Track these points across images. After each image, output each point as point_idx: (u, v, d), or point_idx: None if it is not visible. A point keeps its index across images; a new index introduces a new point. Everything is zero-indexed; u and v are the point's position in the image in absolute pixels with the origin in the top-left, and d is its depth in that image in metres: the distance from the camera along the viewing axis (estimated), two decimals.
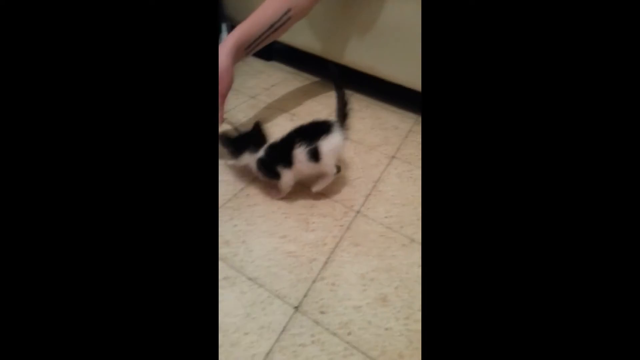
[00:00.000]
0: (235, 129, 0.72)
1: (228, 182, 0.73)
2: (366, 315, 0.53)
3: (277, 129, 0.69)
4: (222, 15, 1.17)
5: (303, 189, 0.72)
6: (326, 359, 0.48)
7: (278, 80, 1.13)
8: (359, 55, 1.01)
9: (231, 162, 0.77)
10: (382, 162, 0.84)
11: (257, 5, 0.77)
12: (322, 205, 0.71)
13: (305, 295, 0.55)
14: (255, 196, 0.71)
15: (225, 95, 0.71)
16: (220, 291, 0.54)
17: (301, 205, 0.71)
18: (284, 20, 0.77)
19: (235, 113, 0.95)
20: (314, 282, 0.57)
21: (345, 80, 1.12)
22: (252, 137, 0.69)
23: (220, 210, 0.67)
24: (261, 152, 0.67)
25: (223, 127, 0.74)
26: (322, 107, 1.02)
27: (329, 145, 0.65)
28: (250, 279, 0.56)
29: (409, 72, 0.94)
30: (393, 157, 0.86)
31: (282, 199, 0.71)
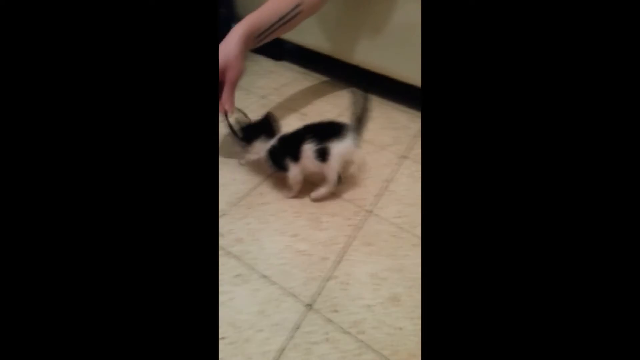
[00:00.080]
0: (246, 116, 0.73)
1: (240, 181, 0.74)
2: (378, 314, 0.53)
3: (287, 129, 0.70)
4: (233, 15, 1.18)
5: (314, 189, 0.73)
6: (339, 357, 0.48)
7: (288, 80, 1.13)
8: (369, 54, 1.01)
9: (243, 161, 0.78)
10: (393, 161, 0.84)
11: None
12: (333, 204, 0.71)
13: (317, 294, 0.55)
14: (267, 195, 0.72)
15: (235, 83, 0.70)
16: (234, 288, 0.55)
17: (312, 205, 0.71)
18: (294, 14, 0.77)
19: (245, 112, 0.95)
20: (326, 280, 0.57)
21: (356, 79, 1.14)
22: (264, 126, 0.70)
23: (233, 208, 0.68)
24: (272, 142, 0.68)
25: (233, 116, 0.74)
26: (332, 106, 1.02)
27: (338, 148, 0.65)
28: (263, 276, 0.57)
29: (419, 72, 0.93)
30: (404, 157, 0.86)
31: (294, 197, 0.71)
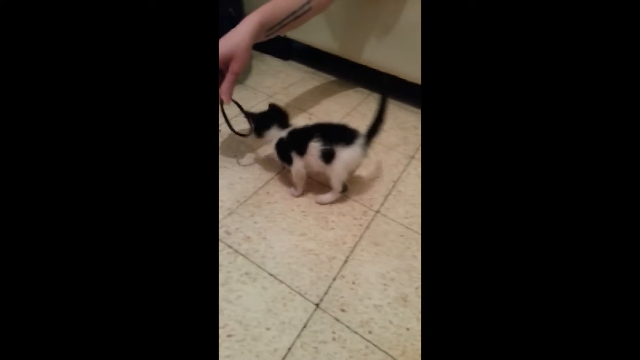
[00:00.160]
0: (241, 108, 0.73)
1: (248, 180, 0.74)
2: (387, 314, 0.53)
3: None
4: (242, 16, 1.18)
5: (322, 188, 0.73)
6: (347, 357, 0.48)
7: (296, 79, 1.13)
8: (377, 55, 1.01)
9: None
10: (402, 162, 0.84)
11: None
12: (341, 204, 0.71)
13: (325, 293, 0.55)
14: (274, 194, 0.72)
15: (238, 75, 0.69)
16: (242, 286, 0.55)
17: (320, 204, 0.71)
18: (305, 10, 0.76)
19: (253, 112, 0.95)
20: (334, 280, 0.57)
21: (363, 80, 1.14)
22: (275, 115, 0.70)
23: (240, 207, 0.68)
24: (284, 133, 0.68)
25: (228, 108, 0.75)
26: (339, 106, 1.02)
27: (344, 154, 0.65)
28: (270, 275, 0.57)
29: None
30: (412, 157, 0.85)
31: (301, 196, 0.71)
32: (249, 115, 0.73)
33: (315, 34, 1.08)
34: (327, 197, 0.70)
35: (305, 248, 0.62)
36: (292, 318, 0.51)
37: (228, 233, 0.63)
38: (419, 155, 0.86)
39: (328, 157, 0.65)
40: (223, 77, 0.68)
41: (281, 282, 0.56)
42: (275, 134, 0.69)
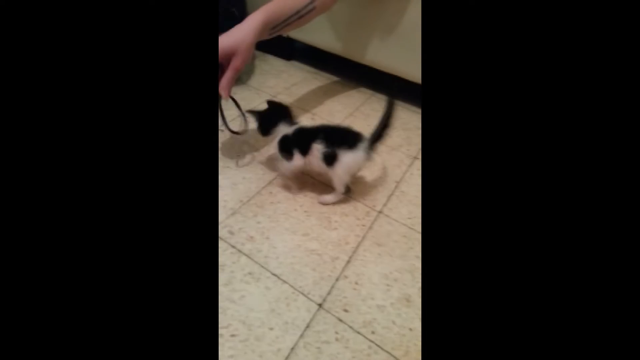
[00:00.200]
0: (238, 104, 0.73)
1: (251, 180, 0.74)
2: (390, 315, 0.53)
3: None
4: (245, 16, 1.18)
5: (326, 188, 0.73)
6: (350, 357, 0.48)
7: (298, 79, 1.13)
8: (380, 55, 1.01)
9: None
10: (405, 162, 0.84)
11: None
12: (344, 204, 0.71)
13: (328, 293, 0.55)
14: (277, 194, 0.72)
15: (239, 71, 0.68)
16: (245, 286, 0.55)
17: (323, 204, 0.71)
18: (309, 10, 0.76)
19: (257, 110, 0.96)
20: (337, 280, 0.57)
21: (366, 80, 1.14)
22: (280, 112, 0.70)
23: (244, 206, 0.68)
24: (290, 130, 0.68)
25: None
26: (342, 106, 1.02)
27: (346, 157, 0.65)
28: (274, 275, 0.57)
29: None
30: (415, 157, 0.85)
31: (304, 197, 0.71)
32: (245, 114, 0.72)
33: (318, 33, 1.08)
34: (329, 197, 0.70)
35: (308, 248, 0.62)
36: (295, 318, 0.52)
37: (231, 233, 0.63)
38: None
39: (330, 159, 0.65)
40: (223, 71, 0.67)
41: (284, 282, 0.56)
42: (283, 129, 0.69)
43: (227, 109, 0.75)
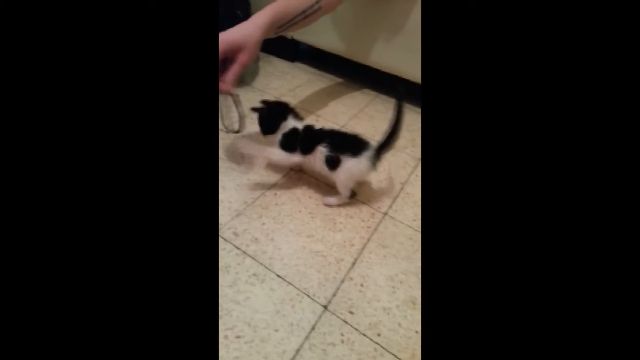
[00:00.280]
0: (239, 102, 0.70)
1: (255, 182, 0.74)
2: (396, 317, 0.53)
3: None
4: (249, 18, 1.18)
5: (330, 190, 0.72)
6: (356, 359, 0.48)
7: (302, 81, 1.13)
8: (385, 56, 1.01)
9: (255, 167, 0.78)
10: (410, 164, 0.83)
11: None
12: (349, 206, 0.71)
13: (333, 295, 0.55)
14: (282, 195, 0.72)
15: (245, 66, 0.67)
16: (250, 288, 0.55)
17: (327, 206, 0.71)
18: (314, 10, 0.76)
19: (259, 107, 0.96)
20: (342, 282, 0.57)
21: (370, 81, 1.13)
22: (283, 108, 0.70)
23: (248, 208, 0.68)
24: (300, 125, 0.68)
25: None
26: (346, 108, 1.02)
27: (349, 164, 0.65)
28: (279, 276, 0.57)
29: None
30: (420, 159, 0.85)
31: (308, 198, 0.71)
32: (242, 113, 0.71)
33: (322, 35, 1.08)
34: (334, 199, 0.70)
35: (313, 250, 0.62)
36: (301, 320, 0.51)
37: (236, 234, 0.62)
38: None
39: (332, 163, 0.65)
40: (225, 65, 0.66)
41: (289, 283, 0.56)
42: (293, 123, 0.69)
43: (228, 108, 0.74)
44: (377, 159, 0.66)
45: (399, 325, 0.52)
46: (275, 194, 0.72)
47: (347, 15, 1.00)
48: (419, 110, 1.04)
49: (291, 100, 1.02)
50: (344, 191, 0.68)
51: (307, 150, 0.66)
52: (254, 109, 0.71)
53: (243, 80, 1.07)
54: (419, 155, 0.86)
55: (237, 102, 0.70)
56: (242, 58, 0.65)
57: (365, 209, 0.71)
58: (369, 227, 0.67)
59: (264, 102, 0.72)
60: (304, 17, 0.75)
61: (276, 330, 0.50)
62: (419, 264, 0.61)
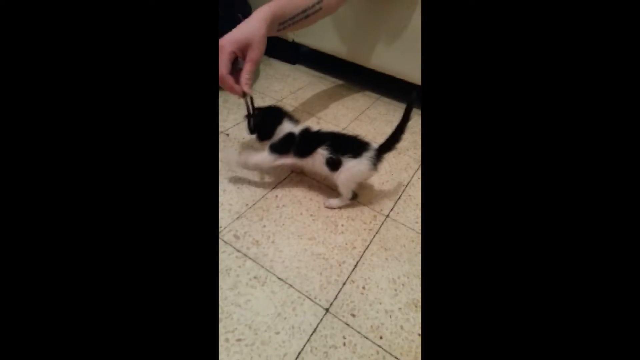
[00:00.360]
0: (252, 105, 0.69)
1: (256, 184, 0.74)
2: (398, 320, 0.52)
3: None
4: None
5: (332, 192, 0.72)
6: None
7: (304, 83, 1.13)
8: (386, 59, 1.01)
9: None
10: (412, 166, 0.83)
11: None
12: (351, 208, 0.71)
13: (335, 298, 0.55)
14: (283, 198, 0.71)
15: (257, 63, 0.67)
16: (251, 290, 0.54)
17: (329, 208, 0.70)
18: (315, 10, 0.76)
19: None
20: (344, 284, 0.57)
21: (371, 83, 1.13)
22: (276, 112, 0.69)
23: (249, 210, 0.68)
24: (296, 129, 0.67)
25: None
26: (348, 110, 1.02)
27: (349, 165, 0.64)
28: (280, 279, 0.56)
29: None
30: (421, 161, 0.85)
31: (310, 201, 0.71)
32: (253, 115, 0.70)
33: (323, 38, 1.08)
34: (336, 201, 0.70)
35: (315, 252, 0.61)
36: (302, 322, 0.51)
37: (237, 237, 0.62)
38: None
39: (333, 165, 0.65)
40: (235, 65, 0.65)
41: (290, 286, 0.55)
42: (289, 127, 0.68)
43: (227, 107, 0.74)
44: (378, 160, 0.65)
45: (401, 328, 0.51)
46: (276, 196, 0.72)
47: (348, 17, 1.00)
48: (420, 113, 1.04)
49: (292, 102, 1.02)
50: (346, 193, 0.68)
51: (306, 153, 0.66)
52: (247, 117, 0.69)
53: None
54: (421, 157, 0.86)
55: (251, 103, 0.69)
56: (252, 55, 0.64)
57: (367, 211, 0.71)
58: (370, 229, 0.67)
59: (256, 108, 0.70)
60: (305, 16, 0.75)
61: (277, 333, 0.49)
62: (421, 266, 0.60)
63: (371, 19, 0.98)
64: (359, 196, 0.72)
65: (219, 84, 0.63)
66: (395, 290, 0.57)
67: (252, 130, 0.68)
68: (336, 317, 0.52)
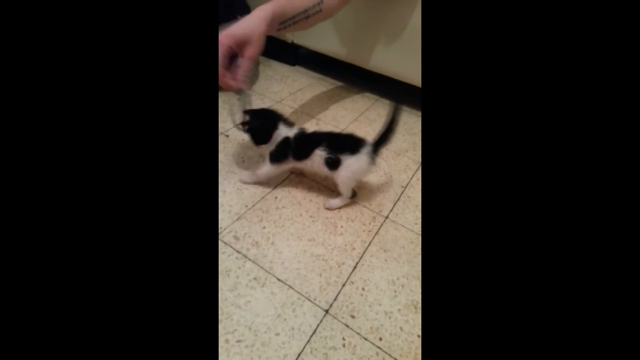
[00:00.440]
0: (249, 101, 0.69)
1: (256, 185, 0.74)
2: (398, 321, 0.53)
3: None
4: None
5: (331, 194, 0.72)
6: None
7: (303, 85, 1.14)
8: (386, 60, 1.01)
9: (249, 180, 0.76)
10: (411, 167, 0.83)
11: None
12: (350, 210, 0.71)
13: (335, 299, 0.55)
14: (283, 199, 0.71)
15: (254, 60, 0.66)
16: (251, 291, 0.54)
17: (328, 210, 0.70)
18: (316, 11, 0.76)
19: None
20: (343, 285, 0.57)
21: (371, 85, 1.14)
22: (271, 115, 0.69)
23: (249, 211, 0.68)
24: (291, 132, 0.67)
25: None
26: (347, 112, 1.02)
27: (349, 162, 0.65)
28: (280, 280, 0.56)
29: None
30: (421, 162, 0.85)
31: (309, 202, 0.71)
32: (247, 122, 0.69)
33: (323, 39, 1.09)
34: (336, 201, 0.70)
35: (314, 253, 0.61)
36: (302, 324, 0.51)
37: (236, 238, 0.62)
38: None
39: (333, 164, 0.65)
40: (232, 61, 0.65)
41: (290, 287, 0.56)
42: (285, 131, 0.67)
43: (227, 108, 0.73)
44: (375, 155, 0.66)
45: (401, 329, 0.52)
46: (276, 197, 0.72)
47: (347, 19, 1.00)
48: (419, 114, 1.04)
49: (292, 104, 1.03)
50: (346, 191, 0.68)
51: (304, 155, 0.66)
52: (243, 124, 0.68)
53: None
54: (420, 158, 0.86)
55: (248, 100, 0.68)
56: (249, 52, 0.64)
57: (366, 212, 0.71)
58: (370, 230, 0.67)
59: (247, 111, 0.69)
60: (305, 16, 0.75)
61: (277, 334, 0.49)
62: (421, 268, 0.60)
63: (371, 21, 0.98)
64: (359, 197, 0.72)
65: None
66: (395, 291, 0.57)
67: (246, 128, 0.68)
68: (336, 318, 0.52)
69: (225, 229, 0.64)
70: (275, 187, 0.74)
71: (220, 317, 0.50)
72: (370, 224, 0.68)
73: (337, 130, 0.93)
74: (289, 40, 1.17)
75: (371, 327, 0.51)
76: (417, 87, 0.98)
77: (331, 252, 0.62)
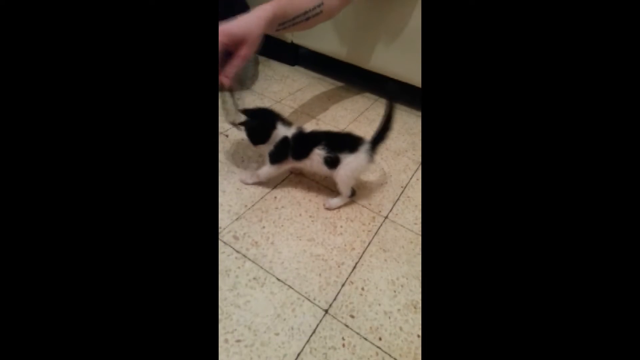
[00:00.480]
0: (238, 100, 0.69)
1: (255, 185, 0.74)
2: (397, 321, 0.53)
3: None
4: None
5: (331, 194, 0.72)
6: None
7: (303, 85, 1.14)
8: (385, 60, 1.01)
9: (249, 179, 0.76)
10: (410, 167, 0.83)
11: None
12: (349, 209, 0.71)
13: (334, 299, 0.55)
14: (282, 199, 0.71)
15: (247, 60, 0.64)
16: (250, 291, 0.54)
17: (328, 209, 0.70)
18: (316, 12, 0.75)
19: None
20: (343, 285, 0.57)
21: (370, 85, 1.14)
22: (269, 114, 0.69)
23: (249, 211, 0.68)
24: (289, 132, 0.67)
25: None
26: (347, 112, 1.02)
27: (348, 160, 0.65)
28: (279, 280, 0.56)
29: None
30: (421, 162, 0.85)
31: (309, 202, 0.71)
32: (242, 112, 0.69)
33: (323, 39, 1.09)
34: (335, 201, 0.70)
35: (314, 253, 0.61)
36: (301, 323, 0.51)
37: (236, 238, 0.62)
38: None
39: (332, 163, 0.65)
40: (226, 58, 0.64)
41: (290, 287, 0.56)
42: (283, 131, 0.67)
43: (227, 109, 0.73)
44: (374, 152, 0.66)
45: (401, 329, 0.52)
46: (275, 197, 0.72)
47: (347, 19, 1.00)
48: (419, 114, 1.04)
49: (291, 104, 1.03)
50: (345, 190, 0.68)
51: (303, 155, 0.66)
52: (241, 124, 0.68)
53: (243, 83, 1.08)
54: (420, 158, 0.86)
55: (236, 99, 0.67)
56: (244, 51, 0.63)
57: (366, 212, 0.71)
58: (369, 230, 0.67)
59: (242, 111, 0.68)
60: (305, 18, 0.74)
61: (277, 334, 0.49)
62: (420, 268, 0.60)
63: (371, 21, 0.98)
64: (358, 197, 0.72)
65: None
66: (394, 291, 0.57)
67: (244, 128, 0.68)
68: (335, 318, 0.52)
69: (224, 228, 0.64)
70: (274, 187, 0.74)
71: (219, 316, 0.50)
72: (369, 224, 0.68)
73: (336, 130, 0.93)
74: (289, 40, 1.17)
75: (371, 327, 0.52)
76: (417, 87, 0.98)
77: (331, 252, 0.62)
